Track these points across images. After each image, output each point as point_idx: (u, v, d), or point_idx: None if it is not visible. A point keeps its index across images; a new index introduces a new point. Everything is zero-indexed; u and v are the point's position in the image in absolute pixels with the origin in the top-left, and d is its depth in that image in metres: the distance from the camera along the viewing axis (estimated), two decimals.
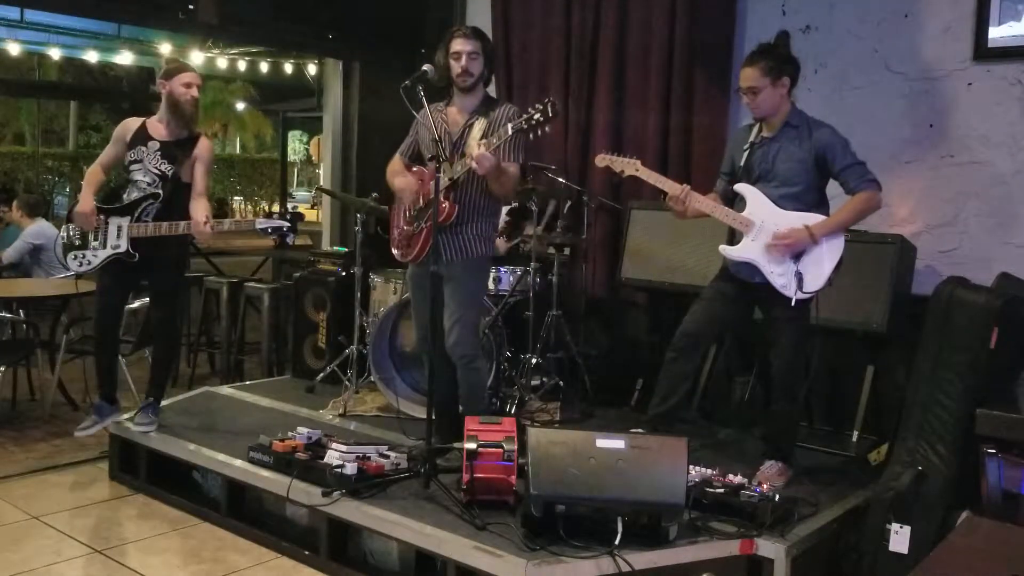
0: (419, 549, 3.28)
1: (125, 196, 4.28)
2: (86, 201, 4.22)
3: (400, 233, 3.98)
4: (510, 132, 3.57)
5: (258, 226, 4.14)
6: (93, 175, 4.37)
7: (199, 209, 4.20)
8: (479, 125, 3.75)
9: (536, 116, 3.50)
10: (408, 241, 3.89)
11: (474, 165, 3.57)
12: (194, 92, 4.29)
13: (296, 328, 5.64)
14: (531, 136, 3.59)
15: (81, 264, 4.30)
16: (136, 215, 4.22)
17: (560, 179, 5.13)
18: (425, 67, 3.77)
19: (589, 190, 5.23)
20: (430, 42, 4.06)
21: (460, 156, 3.75)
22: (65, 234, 4.36)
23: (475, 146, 3.62)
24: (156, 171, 4.24)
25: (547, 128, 3.54)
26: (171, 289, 4.50)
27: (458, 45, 3.79)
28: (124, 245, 4.21)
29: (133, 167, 4.28)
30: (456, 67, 3.79)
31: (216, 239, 7.36)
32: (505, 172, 3.72)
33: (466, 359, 3.90)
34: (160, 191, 4.22)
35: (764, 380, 4.46)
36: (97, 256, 4.26)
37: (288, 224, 4.11)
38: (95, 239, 4.27)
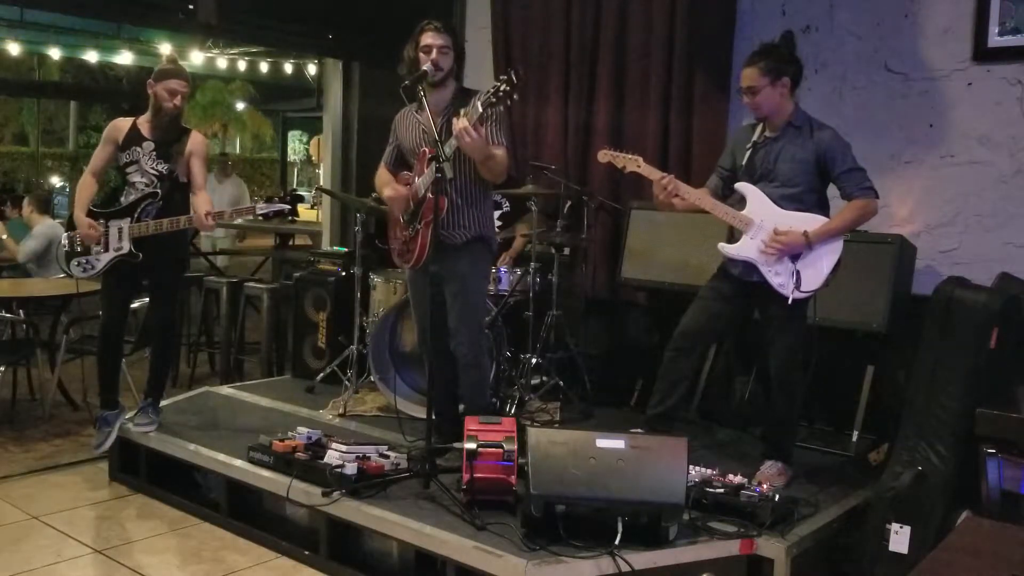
0: (419, 549, 3.28)
1: (123, 198, 4.27)
2: (81, 222, 4.21)
3: (399, 242, 3.97)
4: (480, 109, 3.53)
5: (259, 211, 4.18)
6: (85, 188, 4.33)
7: (201, 203, 4.20)
8: (457, 116, 3.72)
9: (502, 87, 3.45)
10: (407, 246, 3.88)
11: (459, 141, 3.53)
12: (177, 101, 4.23)
13: (296, 328, 5.64)
14: (502, 108, 3.56)
15: (85, 270, 4.31)
16: (136, 215, 4.22)
17: (560, 179, 5.13)
18: (425, 67, 3.76)
19: (589, 190, 5.23)
20: None
21: (444, 145, 3.65)
22: (67, 242, 4.36)
23: (456, 123, 3.57)
24: (153, 171, 4.24)
25: (515, 96, 3.49)
26: (171, 288, 4.50)
27: (428, 39, 3.76)
28: (127, 246, 4.21)
29: (129, 169, 4.26)
30: (425, 60, 3.75)
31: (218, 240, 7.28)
32: (491, 153, 3.68)
33: (471, 357, 3.90)
34: (158, 190, 4.22)
35: (764, 380, 4.46)
36: (100, 260, 4.27)
37: (288, 206, 4.15)
38: (97, 243, 4.27)
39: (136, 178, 4.25)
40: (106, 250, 4.26)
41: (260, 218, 4.26)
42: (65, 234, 4.40)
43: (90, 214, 4.27)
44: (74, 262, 4.33)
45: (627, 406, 4.96)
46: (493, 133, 3.75)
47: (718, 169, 3.91)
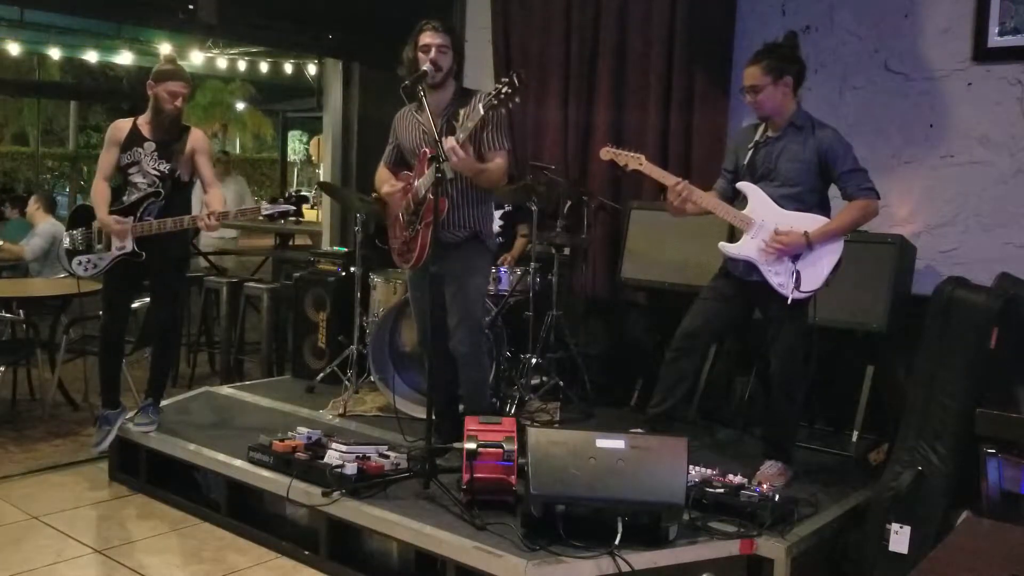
0: (419, 549, 3.29)
1: (125, 197, 4.26)
2: (107, 221, 4.17)
3: (399, 242, 3.97)
4: (482, 112, 3.52)
5: (264, 212, 4.19)
6: (100, 194, 4.28)
7: (215, 200, 4.21)
8: (457, 117, 3.71)
9: (504, 90, 3.43)
10: (407, 246, 3.88)
11: (448, 159, 3.55)
12: (179, 103, 4.23)
13: (296, 328, 5.64)
14: (504, 111, 3.55)
15: (87, 269, 4.31)
16: (138, 215, 4.22)
17: (560, 179, 5.13)
18: (425, 67, 3.75)
19: (589, 190, 5.23)
20: None
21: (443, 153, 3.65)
22: (69, 241, 4.37)
23: (445, 143, 3.57)
24: (155, 172, 4.24)
25: (517, 99, 3.47)
26: (173, 288, 4.50)
27: (427, 38, 3.75)
28: (130, 245, 4.21)
29: (131, 169, 4.25)
30: (425, 60, 3.74)
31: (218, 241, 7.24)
32: (481, 168, 3.69)
33: (470, 357, 3.90)
34: (161, 190, 4.22)
35: (764, 380, 4.46)
36: (103, 259, 4.27)
37: (293, 207, 4.18)
38: (99, 242, 4.28)
39: (138, 179, 4.25)
40: (107, 249, 4.26)
41: (265, 218, 4.27)
42: (67, 233, 4.41)
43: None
44: (75, 260, 4.33)
45: (627, 406, 4.96)
46: (494, 138, 3.76)
47: (723, 172, 3.91)
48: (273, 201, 4.29)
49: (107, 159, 4.32)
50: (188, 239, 4.58)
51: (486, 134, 3.73)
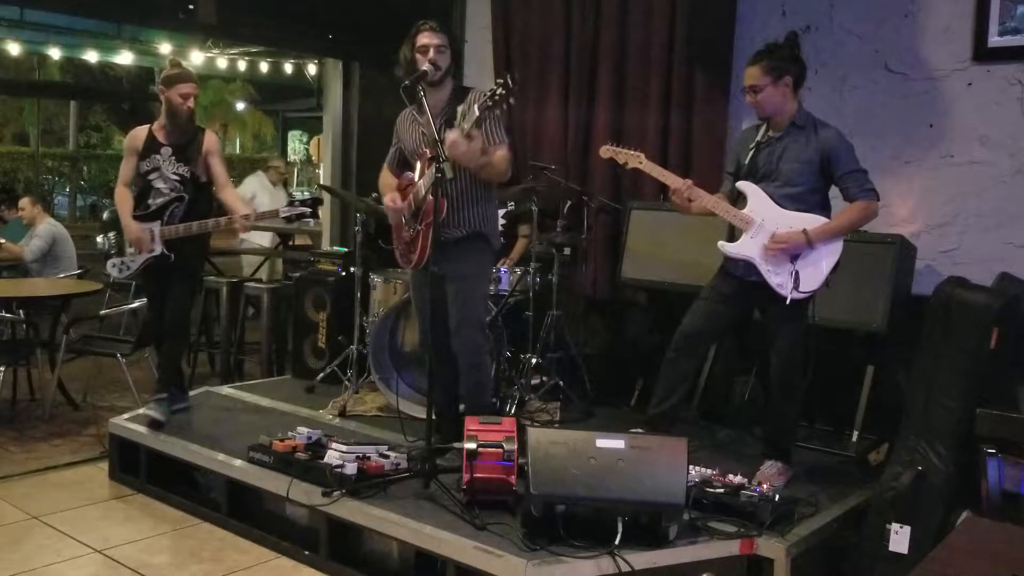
0: (419, 549, 3.28)
1: (151, 201, 4.39)
2: (131, 228, 4.36)
3: (402, 243, 3.97)
4: (477, 113, 3.53)
5: (282, 214, 4.34)
6: (124, 200, 4.46)
7: (232, 198, 4.40)
8: (455, 118, 3.73)
9: (499, 91, 3.45)
10: (409, 247, 3.88)
11: (450, 154, 3.55)
12: (191, 103, 4.38)
13: (296, 328, 5.64)
14: (499, 111, 3.56)
15: (120, 270, 4.49)
16: (164, 218, 4.36)
17: (560, 179, 5.13)
18: (425, 67, 3.76)
19: (589, 190, 5.23)
20: None
21: (444, 145, 3.64)
22: (103, 243, 4.57)
23: (448, 137, 3.58)
24: (175, 176, 4.37)
25: (512, 100, 3.49)
26: (189, 287, 4.61)
27: (425, 39, 3.77)
28: (159, 248, 4.36)
29: (151, 175, 4.40)
30: (423, 61, 3.76)
31: (216, 239, 7.29)
32: (485, 162, 3.69)
33: (472, 357, 3.90)
34: (184, 193, 4.36)
35: (764, 380, 4.46)
36: (135, 261, 4.43)
37: (310, 209, 4.34)
38: (129, 245, 4.43)
39: (159, 184, 4.39)
40: (139, 252, 4.39)
41: (284, 221, 4.40)
42: (102, 237, 4.56)
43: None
44: (110, 263, 4.52)
45: (627, 406, 4.96)
46: (493, 132, 3.76)
47: (726, 175, 3.91)
48: (291, 204, 4.42)
49: (127, 168, 4.50)
50: (208, 239, 4.73)
51: (484, 128, 3.72)
